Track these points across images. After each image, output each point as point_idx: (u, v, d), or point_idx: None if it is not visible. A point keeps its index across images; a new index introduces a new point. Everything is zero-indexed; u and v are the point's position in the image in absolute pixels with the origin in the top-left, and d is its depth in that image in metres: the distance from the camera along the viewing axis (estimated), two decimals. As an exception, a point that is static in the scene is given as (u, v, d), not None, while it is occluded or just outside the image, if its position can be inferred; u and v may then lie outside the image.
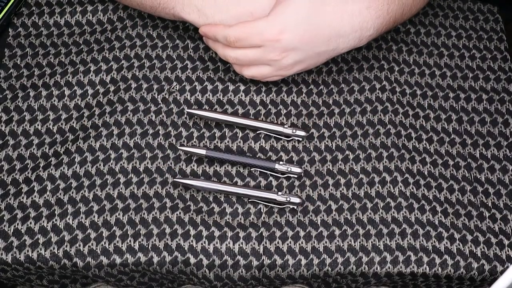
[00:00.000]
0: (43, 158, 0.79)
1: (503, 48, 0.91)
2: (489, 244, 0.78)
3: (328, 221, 0.78)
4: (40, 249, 0.74)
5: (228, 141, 0.82)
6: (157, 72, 0.86)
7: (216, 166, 0.80)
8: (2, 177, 0.78)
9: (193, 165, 0.80)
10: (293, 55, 0.77)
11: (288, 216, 0.78)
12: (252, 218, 0.78)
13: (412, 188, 0.80)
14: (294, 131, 0.81)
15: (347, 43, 0.78)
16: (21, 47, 0.86)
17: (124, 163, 0.80)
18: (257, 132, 0.82)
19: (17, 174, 0.78)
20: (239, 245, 0.76)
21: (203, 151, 0.79)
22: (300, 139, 0.82)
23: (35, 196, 0.77)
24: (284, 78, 0.86)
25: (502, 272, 0.76)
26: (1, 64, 0.85)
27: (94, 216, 0.76)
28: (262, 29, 0.76)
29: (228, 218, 0.77)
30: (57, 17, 0.88)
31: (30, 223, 0.76)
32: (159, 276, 0.78)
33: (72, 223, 0.76)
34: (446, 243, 0.77)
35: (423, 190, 0.80)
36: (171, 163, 0.80)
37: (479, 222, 0.79)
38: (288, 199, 0.77)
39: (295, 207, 0.78)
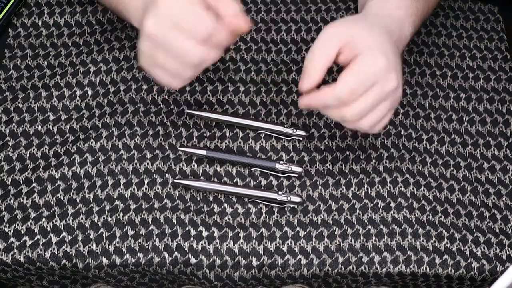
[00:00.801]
0: (43, 159, 0.79)
1: (504, 48, 0.91)
2: (489, 244, 0.78)
3: (328, 221, 0.78)
4: (40, 250, 0.74)
5: (228, 141, 0.82)
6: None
7: (216, 166, 0.80)
8: (2, 177, 0.78)
9: (193, 165, 0.80)
10: (394, 67, 0.70)
11: (289, 216, 0.78)
12: (253, 218, 0.77)
13: (412, 188, 0.80)
14: (294, 130, 0.81)
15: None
16: (21, 48, 0.86)
17: (124, 164, 0.80)
18: (258, 132, 0.82)
19: (17, 175, 0.78)
20: (239, 245, 0.76)
21: (203, 152, 0.79)
22: (301, 138, 0.82)
23: (35, 197, 0.77)
24: (284, 78, 0.86)
25: (502, 272, 0.76)
26: (1, 65, 0.85)
27: (94, 217, 0.76)
28: (371, 66, 0.67)
29: (229, 218, 0.77)
30: (57, 17, 0.88)
31: (30, 223, 0.75)
32: (159, 277, 0.78)
33: (72, 223, 0.76)
34: (447, 243, 0.77)
35: (423, 190, 0.80)
36: (171, 164, 0.80)
37: (480, 222, 0.79)
38: (288, 198, 0.77)
39: (296, 206, 0.78)
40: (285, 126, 0.81)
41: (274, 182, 0.80)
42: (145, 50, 0.67)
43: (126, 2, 0.74)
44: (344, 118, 0.70)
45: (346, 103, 0.68)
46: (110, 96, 0.84)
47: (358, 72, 0.67)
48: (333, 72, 0.87)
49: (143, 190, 0.78)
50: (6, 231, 0.75)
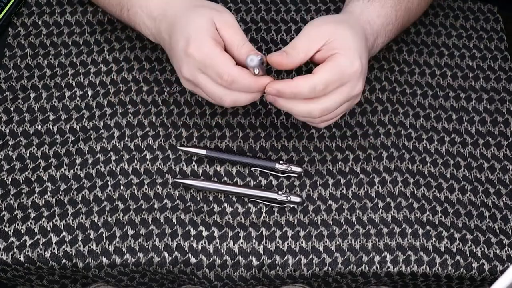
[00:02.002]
0: (43, 159, 0.79)
1: (503, 48, 0.91)
2: (489, 243, 0.78)
3: (328, 220, 0.78)
4: (40, 250, 0.74)
5: (228, 141, 0.82)
6: (157, 74, 0.86)
7: (216, 166, 0.80)
8: (2, 177, 0.78)
9: (193, 165, 0.80)
10: (364, 74, 0.72)
11: (288, 216, 0.78)
12: (252, 218, 0.78)
13: (412, 188, 0.80)
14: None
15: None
16: (21, 47, 0.86)
17: (124, 165, 0.80)
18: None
19: (17, 174, 0.78)
20: (239, 245, 0.76)
21: (203, 151, 0.79)
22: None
23: (35, 197, 0.77)
24: (284, 78, 0.86)
25: (502, 272, 0.76)
26: (1, 65, 0.85)
27: (94, 217, 0.76)
28: (347, 66, 0.68)
29: (228, 218, 0.77)
30: (57, 17, 0.89)
31: (30, 223, 0.76)
32: (159, 277, 0.78)
33: (72, 223, 0.76)
34: (446, 242, 0.77)
35: (423, 190, 0.80)
36: (171, 164, 0.80)
37: (479, 221, 0.79)
38: (288, 198, 0.77)
39: (295, 206, 0.78)
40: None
41: (274, 182, 0.80)
42: (187, 86, 0.73)
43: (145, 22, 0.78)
44: (311, 114, 0.70)
45: (316, 97, 0.69)
46: (111, 97, 0.84)
47: (334, 68, 0.68)
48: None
49: (143, 191, 0.78)
50: (6, 230, 0.75)
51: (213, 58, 0.68)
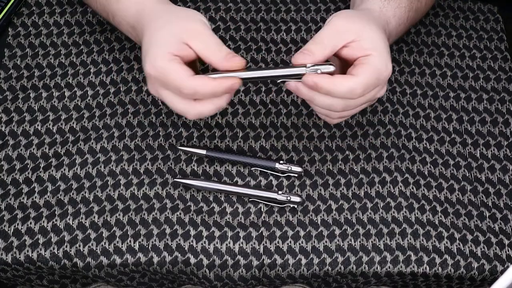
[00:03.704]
0: (43, 159, 0.79)
1: (504, 48, 0.91)
2: (489, 243, 0.78)
3: (328, 220, 0.78)
4: (40, 249, 0.74)
5: (228, 141, 0.82)
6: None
7: (216, 166, 0.80)
8: (2, 177, 0.78)
9: (193, 165, 0.80)
10: None
11: (288, 216, 0.78)
12: (253, 218, 0.78)
13: (412, 188, 0.80)
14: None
15: None
16: (21, 47, 0.86)
17: (124, 165, 0.80)
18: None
19: (17, 174, 0.78)
20: (239, 244, 0.76)
21: (203, 151, 0.79)
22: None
23: (35, 197, 0.77)
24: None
25: (502, 272, 0.76)
26: (1, 65, 0.85)
27: (94, 217, 0.76)
28: (383, 69, 0.66)
29: (229, 218, 0.77)
30: (57, 17, 0.89)
31: (30, 223, 0.76)
32: (159, 276, 0.78)
33: (72, 223, 0.76)
34: (446, 242, 0.77)
35: (423, 190, 0.80)
36: (171, 164, 0.80)
37: (479, 221, 0.79)
38: (288, 198, 0.77)
39: (295, 206, 0.78)
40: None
41: (274, 182, 0.80)
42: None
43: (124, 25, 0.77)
44: (332, 107, 0.68)
45: (353, 97, 0.66)
46: (111, 97, 0.84)
47: (374, 72, 0.66)
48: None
49: (143, 191, 0.78)
50: (6, 230, 0.75)
51: (168, 74, 0.65)
